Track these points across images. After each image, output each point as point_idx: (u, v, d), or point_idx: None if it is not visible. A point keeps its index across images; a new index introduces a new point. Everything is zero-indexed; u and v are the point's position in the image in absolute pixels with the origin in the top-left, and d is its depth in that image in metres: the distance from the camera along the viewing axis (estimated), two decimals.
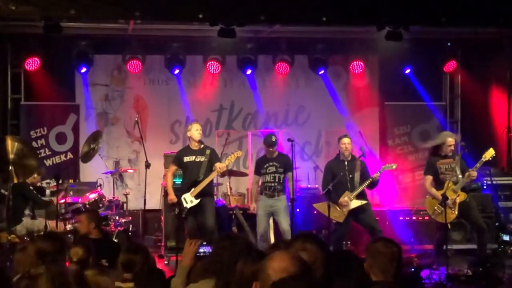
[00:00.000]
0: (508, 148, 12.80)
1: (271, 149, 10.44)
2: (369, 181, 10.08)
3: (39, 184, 11.06)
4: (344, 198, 10.07)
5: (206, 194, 10.15)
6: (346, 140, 10.33)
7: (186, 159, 10.27)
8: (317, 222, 11.38)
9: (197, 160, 10.21)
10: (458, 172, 10.07)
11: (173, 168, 10.46)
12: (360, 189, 10.09)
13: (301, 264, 3.22)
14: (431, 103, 13.55)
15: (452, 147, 10.19)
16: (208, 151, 10.26)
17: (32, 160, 10.32)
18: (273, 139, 10.43)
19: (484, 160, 9.96)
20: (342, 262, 4.23)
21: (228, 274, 4.07)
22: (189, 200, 10.09)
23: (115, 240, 9.95)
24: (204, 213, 10.09)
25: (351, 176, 10.17)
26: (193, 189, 10.08)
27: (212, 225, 10.06)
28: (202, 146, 10.34)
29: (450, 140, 10.20)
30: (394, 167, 10.48)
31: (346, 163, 10.25)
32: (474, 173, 10.00)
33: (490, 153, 9.95)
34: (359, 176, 10.16)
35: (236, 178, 12.51)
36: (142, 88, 13.22)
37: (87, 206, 10.69)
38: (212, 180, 10.34)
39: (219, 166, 10.02)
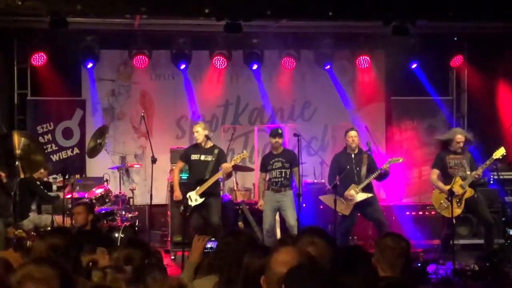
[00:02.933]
0: None
1: (276, 139, 10.40)
2: (377, 173, 10.04)
3: (46, 179, 11.09)
4: (350, 191, 10.06)
5: (211, 193, 10.16)
6: (353, 133, 10.32)
7: (193, 156, 10.28)
8: (323, 216, 11.37)
9: (204, 159, 10.21)
10: (467, 168, 10.06)
11: (180, 164, 10.49)
12: (366, 182, 10.07)
13: (307, 257, 3.23)
14: (437, 98, 13.53)
15: (461, 144, 10.15)
16: (216, 151, 10.26)
17: (39, 155, 10.37)
18: (279, 131, 10.47)
19: (494, 158, 9.96)
20: (350, 256, 4.22)
21: (231, 270, 4.07)
22: (194, 198, 10.11)
23: (121, 235, 9.97)
24: (209, 212, 10.11)
25: (358, 169, 10.16)
26: (198, 188, 10.10)
27: (216, 222, 10.07)
28: (211, 145, 10.34)
29: (459, 137, 10.17)
30: (400, 160, 10.46)
31: (353, 156, 10.24)
32: (480, 172, 10.02)
33: (500, 152, 9.93)
34: (366, 169, 10.15)
35: (242, 173, 12.51)
36: (148, 83, 13.21)
37: (94, 201, 10.70)
38: (218, 178, 10.35)
39: (225, 166, 10.03)
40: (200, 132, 10.23)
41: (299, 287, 2.91)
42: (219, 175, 10.18)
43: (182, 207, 10.19)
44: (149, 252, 5.30)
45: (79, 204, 8.89)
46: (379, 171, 10.06)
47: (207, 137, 10.37)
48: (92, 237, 7.82)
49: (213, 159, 10.17)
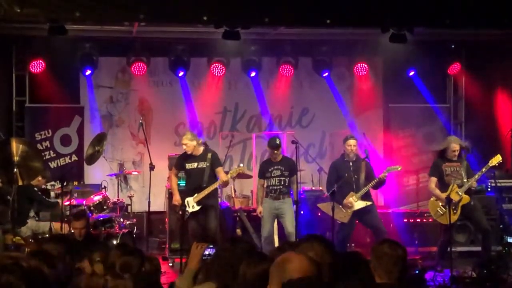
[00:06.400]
0: None
1: (275, 152, 10.43)
2: (375, 181, 10.07)
3: (43, 186, 11.09)
4: (348, 199, 10.08)
5: (208, 200, 10.17)
6: (352, 141, 10.32)
7: (188, 165, 10.28)
8: (321, 224, 11.37)
9: (200, 166, 10.22)
10: (464, 175, 10.09)
11: (175, 171, 10.52)
12: (365, 190, 10.09)
13: (316, 264, 3.25)
14: (435, 105, 13.56)
15: (456, 153, 10.20)
16: (209, 155, 10.27)
17: (37, 162, 10.37)
18: (278, 142, 10.42)
19: (490, 165, 10.02)
20: (348, 263, 4.23)
21: (227, 277, 4.07)
22: (191, 205, 10.13)
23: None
24: (206, 219, 10.14)
25: (356, 176, 10.17)
26: (196, 195, 10.11)
27: (213, 229, 10.09)
28: (204, 150, 10.34)
29: (454, 145, 10.21)
30: (399, 168, 10.48)
31: (351, 163, 10.25)
32: (474, 184, 10.05)
33: (496, 159, 9.99)
34: (364, 176, 10.16)
35: (240, 181, 12.52)
36: (147, 90, 13.23)
37: (92, 208, 10.71)
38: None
39: (223, 180, 10.06)
40: (188, 144, 10.23)
41: None
42: (215, 186, 10.18)
43: (180, 212, 10.21)
44: (145, 259, 5.32)
45: (79, 218, 8.62)
46: (376, 180, 10.08)
47: (204, 144, 10.41)
48: (87, 244, 7.83)
49: (208, 164, 10.19)
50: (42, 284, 2.56)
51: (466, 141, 10.56)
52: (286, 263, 3.23)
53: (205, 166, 10.19)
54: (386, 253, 4.46)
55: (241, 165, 10.77)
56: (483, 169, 10.06)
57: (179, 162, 10.47)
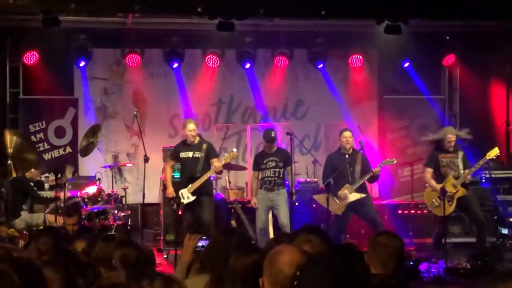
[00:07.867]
0: (507, 142, 12.82)
1: (270, 145, 10.44)
2: (369, 175, 10.08)
3: (38, 178, 11.06)
4: (343, 191, 10.08)
5: (203, 190, 10.17)
6: (347, 133, 10.34)
7: (182, 154, 10.28)
8: (315, 215, 11.39)
9: (194, 156, 10.22)
10: (461, 167, 10.09)
11: (170, 162, 10.52)
12: (360, 183, 10.10)
13: (308, 256, 3.24)
14: (430, 96, 13.55)
15: (452, 143, 10.20)
16: (205, 146, 10.27)
17: (31, 154, 10.35)
18: (273, 135, 10.43)
19: (488, 158, 10.01)
20: (343, 255, 4.22)
21: (220, 269, 4.07)
22: (186, 196, 10.12)
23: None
24: (201, 209, 10.14)
25: (351, 169, 10.18)
26: (190, 185, 10.11)
27: (208, 220, 10.09)
28: (199, 140, 10.34)
29: (450, 136, 10.21)
30: (394, 162, 10.49)
31: (347, 156, 10.26)
32: (468, 177, 10.05)
33: (494, 152, 9.98)
34: (360, 169, 10.17)
35: (235, 172, 12.51)
36: (141, 82, 13.19)
37: (86, 200, 10.70)
38: (209, 176, 10.35)
39: (216, 165, 10.05)
40: (196, 130, 10.28)
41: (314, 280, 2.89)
42: (209, 174, 10.18)
43: (174, 205, 10.21)
44: (142, 251, 5.31)
45: (71, 215, 8.45)
46: (371, 174, 10.08)
47: (199, 136, 10.44)
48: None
49: (203, 155, 10.19)
50: (35, 275, 2.55)
51: (462, 129, 10.51)
52: (276, 256, 3.22)
53: (199, 156, 10.20)
54: (383, 244, 4.47)
55: (234, 149, 10.71)
56: (480, 162, 10.08)
57: (174, 151, 10.48)
